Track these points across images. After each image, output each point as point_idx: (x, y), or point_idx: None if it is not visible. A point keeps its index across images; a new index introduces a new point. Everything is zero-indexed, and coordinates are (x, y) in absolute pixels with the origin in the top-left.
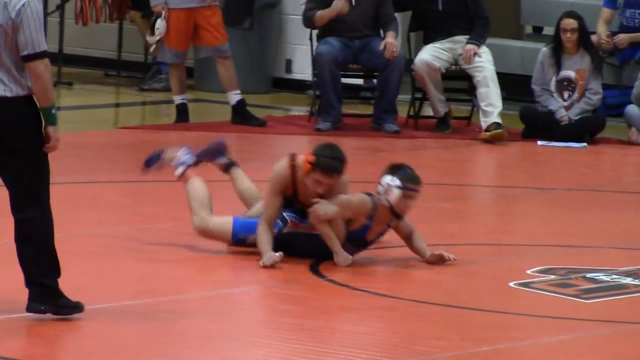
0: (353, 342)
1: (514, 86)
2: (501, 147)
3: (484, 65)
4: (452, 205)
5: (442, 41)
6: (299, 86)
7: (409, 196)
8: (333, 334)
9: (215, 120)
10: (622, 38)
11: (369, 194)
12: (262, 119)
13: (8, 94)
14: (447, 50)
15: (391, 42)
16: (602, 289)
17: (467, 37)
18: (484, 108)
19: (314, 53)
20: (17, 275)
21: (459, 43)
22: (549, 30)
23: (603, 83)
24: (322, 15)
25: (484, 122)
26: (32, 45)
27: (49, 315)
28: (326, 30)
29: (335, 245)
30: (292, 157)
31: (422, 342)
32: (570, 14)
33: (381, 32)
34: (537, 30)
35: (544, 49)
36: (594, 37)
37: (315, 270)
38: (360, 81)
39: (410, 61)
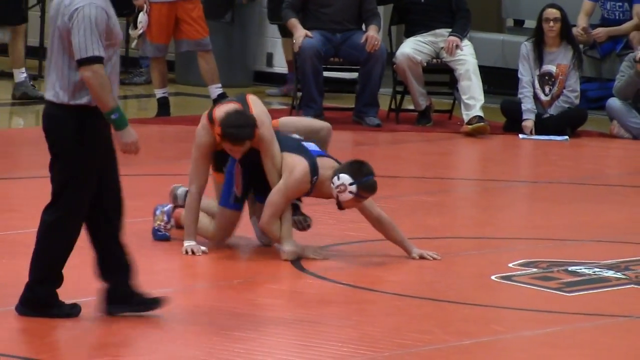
0: (335, 335)
1: (495, 79)
2: (483, 140)
3: (466, 58)
4: (434, 198)
5: (424, 34)
6: (280, 80)
7: (359, 201)
8: (315, 328)
9: (196, 114)
10: (601, 32)
11: (313, 157)
12: None
13: (54, 100)
14: (428, 44)
15: (373, 35)
16: (584, 282)
17: (449, 30)
18: (466, 101)
19: (294, 47)
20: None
21: (440, 36)
22: (530, 24)
23: (584, 76)
24: (292, 27)
25: (466, 115)
26: (79, 51)
27: None
28: (307, 24)
29: (283, 238)
30: (210, 118)
31: (404, 336)
32: (552, 5)
33: (363, 26)
34: (519, 23)
35: (526, 43)
36: (574, 30)
37: (297, 264)
38: (344, 75)
39: (391, 54)
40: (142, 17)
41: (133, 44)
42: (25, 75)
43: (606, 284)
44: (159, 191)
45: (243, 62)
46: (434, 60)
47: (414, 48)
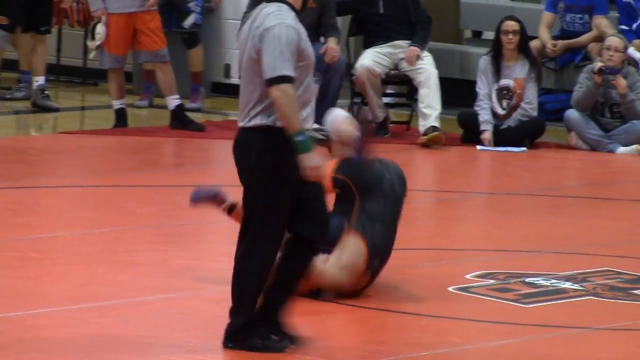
0: (294, 346)
1: (454, 90)
2: (440, 151)
3: (426, 67)
4: None
5: (382, 46)
6: (238, 91)
7: None
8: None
9: (154, 125)
10: (559, 46)
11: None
12: (200, 123)
13: (239, 123)
14: (387, 55)
15: (332, 46)
16: (541, 294)
17: (408, 42)
18: (422, 110)
19: None
20: None
21: (399, 48)
22: (488, 35)
23: (543, 87)
24: None
25: (422, 125)
26: (268, 71)
27: None
28: None
29: None
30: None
31: (361, 347)
32: (511, 17)
33: (321, 38)
34: (477, 34)
35: (484, 57)
36: (536, 42)
37: None
38: None
39: (349, 66)
40: (100, 29)
41: (91, 55)
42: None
43: (563, 295)
44: (117, 202)
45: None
46: (392, 72)
47: (373, 60)
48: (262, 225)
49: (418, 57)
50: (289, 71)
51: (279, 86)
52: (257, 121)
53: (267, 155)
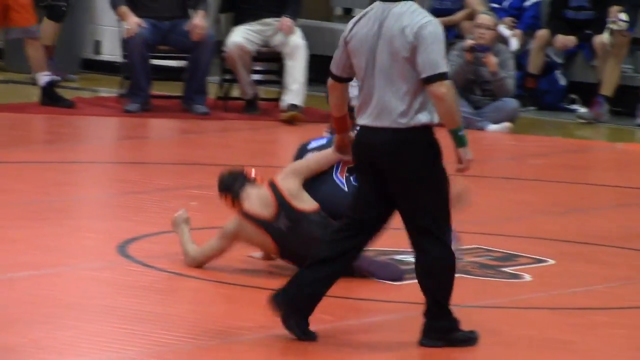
0: (161, 323)
1: (323, 68)
2: (307, 128)
3: (295, 39)
4: None
5: (253, 23)
6: (108, 67)
7: None
8: (141, 316)
9: (24, 102)
10: None
11: None
12: (70, 100)
13: (396, 126)
14: (257, 33)
15: (197, 24)
16: (411, 271)
17: (277, 19)
18: (287, 83)
19: (123, 35)
20: None
21: (268, 25)
22: (359, 12)
23: None
24: (124, 15)
25: (283, 101)
26: (430, 67)
27: None
28: (135, 13)
29: None
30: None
31: (229, 324)
32: None
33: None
34: (347, 12)
35: None
36: None
37: (123, 251)
38: (171, 62)
39: (220, 42)
40: None
41: None
42: None
43: None
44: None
45: (71, 50)
46: (263, 49)
47: (243, 37)
48: (442, 219)
49: (290, 28)
50: (446, 68)
51: (443, 82)
52: (418, 120)
53: (432, 151)
